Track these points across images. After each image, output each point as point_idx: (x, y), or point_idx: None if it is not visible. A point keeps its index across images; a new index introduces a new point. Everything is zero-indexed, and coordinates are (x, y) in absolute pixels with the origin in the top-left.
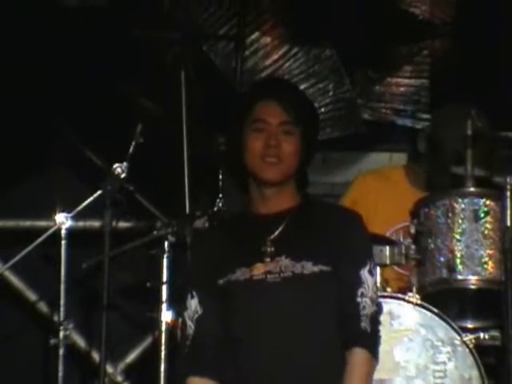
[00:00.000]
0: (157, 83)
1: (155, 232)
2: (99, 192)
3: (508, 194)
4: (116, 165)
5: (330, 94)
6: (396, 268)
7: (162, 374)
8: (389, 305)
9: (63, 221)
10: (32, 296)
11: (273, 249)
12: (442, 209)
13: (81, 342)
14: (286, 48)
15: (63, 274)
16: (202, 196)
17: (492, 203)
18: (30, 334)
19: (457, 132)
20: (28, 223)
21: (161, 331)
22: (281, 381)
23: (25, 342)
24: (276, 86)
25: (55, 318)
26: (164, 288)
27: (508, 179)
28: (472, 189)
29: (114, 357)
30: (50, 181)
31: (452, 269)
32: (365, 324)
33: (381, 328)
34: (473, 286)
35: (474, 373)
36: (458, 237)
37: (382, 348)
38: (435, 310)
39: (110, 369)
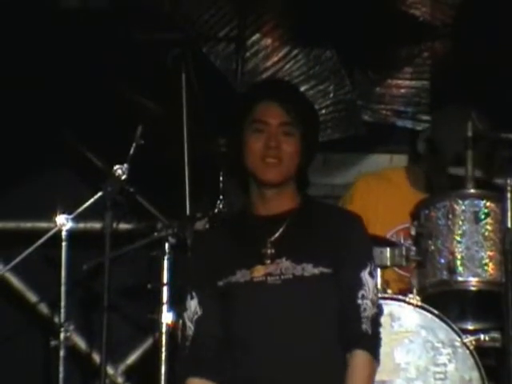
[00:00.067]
0: (157, 85)
1: (156, 233)
2: (100, 193)
3: (508, 195)
4: (116, 166)
5: (331, 95)
6: (396, 269)
7: (163, 376)
8: (389, 306)
9: (64, 222)
10: (33, 297)
11: (273, 251)
12: (443, 210)
13: (81, 343)
14: (287, 49)
15: (64, 275)
16: (202, 197)
17: (492, 205)
18: (31, 336)
19: (457, 133)
20: (29, 225)
21: (161, 333)
22: (281, 382)
23: (25, 344)
24: (276, 86)
25: (56, 320)
26: (164, 289)
27: (508, 181)
28: (472, 190)
29: (115, 358)
30: (51, 182)
31: (452, 270)
32: (366, 326)
33: (381, 330)
34: (473, 288)
35: (475, 374)
36: (458, 238)
37: (383, 350)
38: (436, 312)
39: (110, 370)
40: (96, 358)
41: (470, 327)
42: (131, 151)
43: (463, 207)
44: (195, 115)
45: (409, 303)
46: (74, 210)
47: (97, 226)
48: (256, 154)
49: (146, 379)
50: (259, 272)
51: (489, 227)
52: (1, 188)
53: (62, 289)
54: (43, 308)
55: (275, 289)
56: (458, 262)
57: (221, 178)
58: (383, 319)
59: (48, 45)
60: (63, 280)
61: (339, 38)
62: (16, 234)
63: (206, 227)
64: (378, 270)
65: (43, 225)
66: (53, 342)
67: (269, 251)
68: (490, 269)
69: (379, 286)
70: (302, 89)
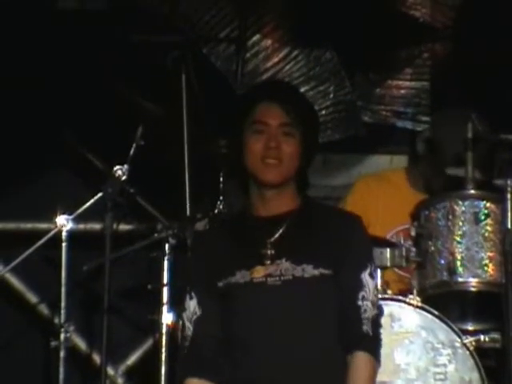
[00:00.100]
0: (157, 86)
1: (156, 234)
2: (100, 194)
3: (508, 196)
4: (117, 167)
5: (331, 96)
6: (396, 270)
7: (163, 376)
8: (389, 307)
9: (64, 223)
10: (33, 298)
11: (273, 251)
12: (443, 211)
13: (82, 344)
14: (287, 50)
15: (64, 276)
16: (202, 198)
17: (492, 205)
18: (31, 337)
19: (457, 135)
20: (29, 225)
21: (161, 333)
22: (281, 383)
23: (25, 345)
24: (276, 87)
25: (56, 321)
26: (165, 290)
27: (508, 181)
28: (472, 191)
29: (115, 359)
30: (51, 183)
31: (452, 271)
32: (366, 327)
33: (381, 330)
34: (473, 289)
35: (475, 375)
36: (458, 239)
37: (383, 350)
38: (436, 313)
39: (110, 371)
40: (96, 358)
41: (470, 328)
42: (131, 152)
43: (463, 208)
44: (195, 116)
45: (409, 304)
46: (74, 210)
47: (97, 226)
48: (256, 154)
49: (146, 380)
50: (259, 273)
51: (489, 228)
52: (1, 189)
53: (63, 289)
54: (43, 309)
55: (275, 290)
56: (458, 263)
57: (221, 179)
58: (383, 320)
59: (47, 45)
60: (63, 281)
61: (339, 39)
62: (16, 235)
63: (207, 228)
64: (378, 271)
65: (43, 225)
66: (53, 343)
67: (269, 252)
68: (490, 269)
69: (379, 287)
70: (302, 90)
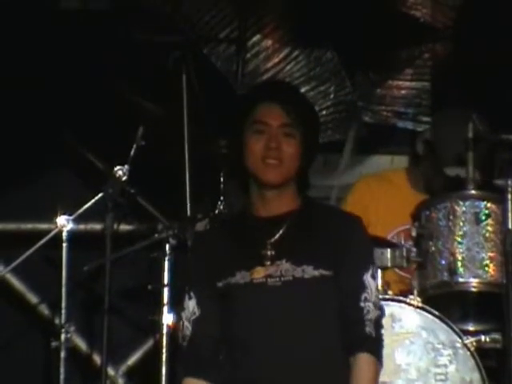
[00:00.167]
0: (158, 86)
1: (156, 235)
2: (100, 195)
3: (509, 196)
4: (117, 167)
5: (331, 96)
6: (397, 271)
7: (164, 377)
8: (390, 307)
9: (64, 223)
10: (33, 299)
11: (273, 252)
12: (443, 211)
13: (82, 344)
14: (287, 51)
15: (64, 276)
16: (203, 198)
17: (493, 206)
18: (32, 337)
19: (458, 135)
20: (29, 226)
21: (162, 334)
22: (281, 383)
23: (26, 345)
24: (277, 88)
25: (56, 321)
26: (165, 291)
27: (509, 182)
28: (473, 191)
29: (116, 359)
30: (51, 183)
31: (453, 271)
32: (369, 329)
33: (383, 331)
34: (474, 289)
35: (475, 376)
36: (459, 239)
37: (384, 351)
38: (436, 313)
39: (111, 371)
40: (97, 359)
41: (471, 328)
42: (132, 152)
43: (464, 208)
44: (196, 116)
45: (409, 304)
46: (74, 211)
47: (97, 227)
48: (256, 155)
49: (146, 380)
50: (259, 274)
51: (489, 228)
52: (1, 189)
53: (63, 290)
54: (44, 309)
55: (275, 290)
56: (459, 263)
57: (221, 179)
58: (384, 320)
59: (48, 45)
60: (64, 281)
61: (340, 39)
62: (17, 235)
63: (207, 228)
64: (379, 272)
65: (44, 226)
66: (53, 343)
67: (269, 253)
68: (490, 270)
69: (380, 288)
70: (303, 90)
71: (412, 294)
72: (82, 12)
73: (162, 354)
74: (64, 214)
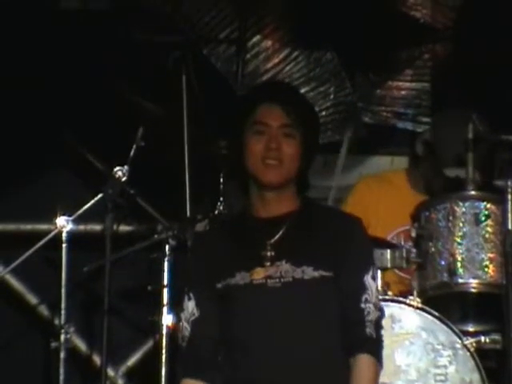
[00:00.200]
0: (158, 87)
1: (156, 235)
2: (100, 195)
3: (509, 197)
4: (117, 168)
5: (331, 97)
6: (397, 271)
7: (163, 378)
8: (390, 308)
9: (64, 224)
10: (33, 299)
11: (273, 253)
12: (443, 212)
13: (82, 345)
14: (287, 51)
15: (64, 277)
16: (202, 199)
17: (493, 207)
18: (31, 338)
19: (458, 135)
20: (29, 226)
21: (162, 334)
22: None
23: (26, 346)
24: (277, 88)
25: (56, 322)
26: (165, 291)
27: (509, 182)
28: (473, 192)
29: (115, 360)
30: (51, 184)
31: (453, 272)
32: (370, 330)
33: (383, 332)
34: (474, 290)
35: (475, 376)
36: (458, 240)
37: (383, 352)
38: (436, 314)
39: (111, 372)
40: (96, 359)
41: (471, 329)
42: (132, 153)
43: (463, 209)
44: (196, 117)
45: (409, 305)
46: (74, 211)
47: (97, 227)
48: (257, 155)
49: (146, 381)
50: (259, 274)
51: (489, 229)
52: (1, 189)
53: (63, 291)
54: (43, 310)
55: (275, 291)
56: (459, 264)
57: (221, 180)
58: (384, 321)
59: (48, 45)
60: (63, 282)
61: (340, 40)
62: (16, 236)
63: (207, 229)
64: (379, 272)
65: (43, 226)
66: (53, 344)
67: (268, 253)
68: (490, 271)
69: (380, 288)
70: (303, 91)
71: (412, 294)
72: (82, 12)
73: (162, 354)
74: (64, 214)
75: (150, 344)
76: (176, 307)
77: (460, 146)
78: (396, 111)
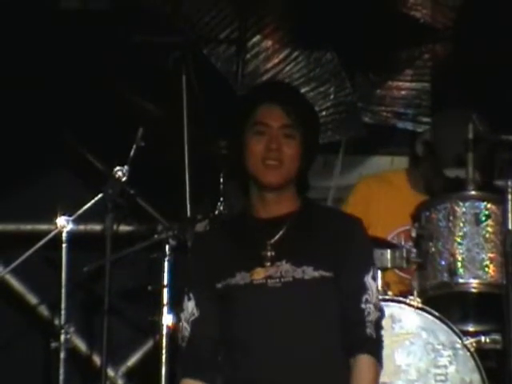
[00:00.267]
0: (158, 87)
1: (156, 235)
2: (100, 195)
3: (509, 197)
4: (117, 168)
5: (331, 97)
6: (397, 271)
7: (163, 378)
8: (390, 308)
9: (64, 224)
10: (33, 299)
11: (273, 253)
12: (443, 212)
13: (82, 345)
14: (287, 51)
15: (64, 277)
16: (202, 199)
17: (493, 207)
18: (31, 338)
19: (458, 135)
20: (29, 226)
21: (162, 335)
22: None
23: (26, 346)
24: (277, 89)
25: (56, 322)
26: (165, 291)
27: (509, 182)
28: (473, 192)
29: (115, 360)
30: (51, 184)
31: (453, 272)
32: (370, 330)
33: (383, 332)
34: (474, 290)
35: (475, 376)
36: (459, 240)
37: (384, 352)
38: (436, 314)
39: (111, 372)
40: (96, 360)
41: (471, 329)
42: (132, 153)
43: (464, 209)
44: (195, 117)
45: (409, 305)
46: (74, 211)
47: (97, 227)
48: (257, 156)
49: (146, 381)
50: (259, 275)
51: (489, 229)
52: (1, 189)
53: (63, 291)
54: (43, 310)
55: (275, 292)
56: (459, 264)
57: (221, 180)
58: (384, 321)
59: (48, 45)
60: (63, 282)
61: (340, 40)
62: (16, 236)
63: (207, 229)
64: (379, 272)
65: (43, 227)
66: (53, 344)
67: (269, 254)
68: (490, 271)
69: (380, 288)
70: (303, 91)
71: (412, 294)
72: (82, 12)
73: (162, 354)
74: (64, 214)
75: (150, 344)
76: (176, 307)
77: (460, 146)
78: (396, 111)
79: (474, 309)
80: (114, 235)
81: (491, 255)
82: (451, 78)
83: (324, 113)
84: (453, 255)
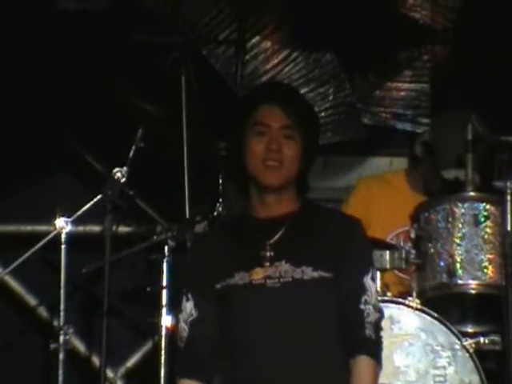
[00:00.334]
0: (157, 87)
1: (155, 237)
2: (99, 196)
3: (508, 198)
4: (116, 169)
5: (331, 98)
6: (396, 272)
7: (162, 379)
8: (389, 309)
9: (63, 225)
10: (32, 301)
11: (272, 253)
12: (442, 213)
13: (81, 346)
14: (287, 52)
15: (63, 278)
16: (202, 200)
17: (492, 208)
18: (30, 339)
19: (457, 136)
20: (28, 228)
21: (161, 336)
22: None
23: (25, 347)
24: (277, 89)
25: (55, 323)
26: (164, 293)
27: (508, 184)
28: (472, 193)
29: (115, 361)
30: (50, 185)
31: (452, 273)
32: (369, 331)
33: (382, 333)
34: (473, 291)
35: (474, 377)
36: (458, 241)
37: (383, 353)
38: (435, 315)
39: (110, 373)
40: (95, 361)
41: (470, 330)
42: (131, 154)
43: (463, 210)
44: (195, 118)
45: (408, 306)
46: (73, 212)
47: (96, 229)
48: (257, 156)
49: (145, 382)
50: (258, 275)
51: (488, 230)
52: (1, 190)
53: (62, 292)
54: (42, 311)
55: (274, 292)
56: (458, 265)
57: (220, 181)
58: (383, 322)
59: (48, 45)
60: (62, 283)
61: (339, 40)
62: (15, 237)
63: (206, 230)
64: (378, 273)
65: (43, 228)
66: (52, 345)
67: (268, 254)
68: (489, 272)
69: (379, 289)
70: (302, 91)
71: (411, 295)
72: (82, 12)
73: (161, 355)
74: (63, 215)
75: (149, 345)
76: (175, 308)
77: (459, 147)
78: (395, 112)
79: (472, 310)
80: (113, 236)
81: (490, 256)
82: (450, 79)
83: (323, 114)
84: (452, 256)
